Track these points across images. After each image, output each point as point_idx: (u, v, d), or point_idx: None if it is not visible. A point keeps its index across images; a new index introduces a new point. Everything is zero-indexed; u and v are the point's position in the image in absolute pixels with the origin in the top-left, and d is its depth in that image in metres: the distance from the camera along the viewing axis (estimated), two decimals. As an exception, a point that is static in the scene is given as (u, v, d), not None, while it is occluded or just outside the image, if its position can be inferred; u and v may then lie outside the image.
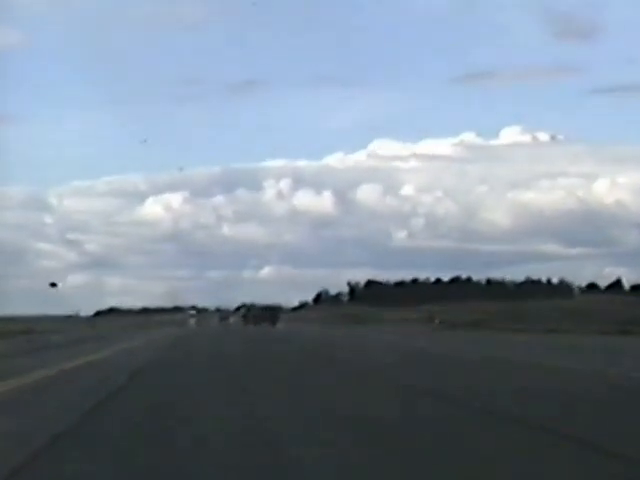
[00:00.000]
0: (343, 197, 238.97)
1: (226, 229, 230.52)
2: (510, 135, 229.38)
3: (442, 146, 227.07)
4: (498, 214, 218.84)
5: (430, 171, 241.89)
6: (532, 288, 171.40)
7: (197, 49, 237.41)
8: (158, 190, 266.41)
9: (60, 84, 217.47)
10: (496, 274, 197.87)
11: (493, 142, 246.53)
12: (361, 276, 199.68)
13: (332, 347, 38.10)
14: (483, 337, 53.75)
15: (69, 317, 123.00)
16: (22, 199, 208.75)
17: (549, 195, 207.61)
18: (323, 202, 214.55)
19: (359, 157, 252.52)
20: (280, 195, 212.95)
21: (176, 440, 9.76)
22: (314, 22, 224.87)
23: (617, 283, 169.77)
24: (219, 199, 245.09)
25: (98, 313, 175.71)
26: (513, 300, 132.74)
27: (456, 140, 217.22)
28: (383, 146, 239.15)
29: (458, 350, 34.51)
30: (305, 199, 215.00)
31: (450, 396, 14.46)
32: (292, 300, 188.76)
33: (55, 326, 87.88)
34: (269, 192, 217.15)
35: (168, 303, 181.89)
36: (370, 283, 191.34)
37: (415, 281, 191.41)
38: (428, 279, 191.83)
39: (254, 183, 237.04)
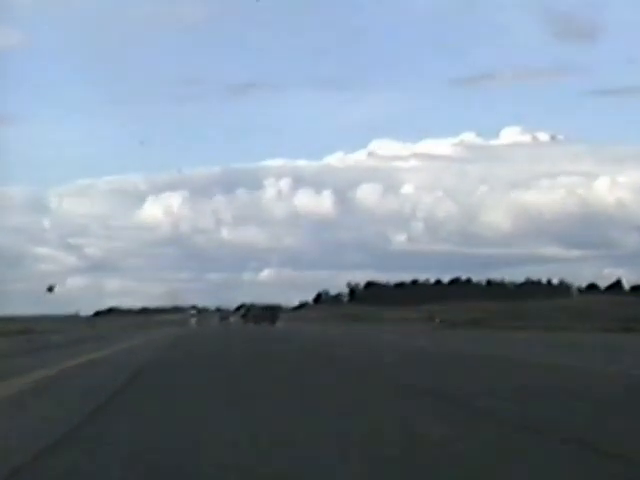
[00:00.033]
0: (343, 197, 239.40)
1: (226, 230, 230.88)
2: (510, 135, 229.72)
3: (442, 146, 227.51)
4: (498, 215, 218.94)
5: (430, 171, 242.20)
6: (532, 289, 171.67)
7: (197, 49, 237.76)
8: (158, 190, 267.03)
9: (60, 84, 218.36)
10: (496, 275, 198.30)
11: (493, 142, 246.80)
12: (361, 277, 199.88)
13: (332, 346, 38.07)
14: (483, 335, 53.71)
15: (69, 317, 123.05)
16: (22, 199, 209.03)
17: (549, 195, 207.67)
18: (323, 202, 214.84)
19: (359, 157, 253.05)
20: (280, 195, 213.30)
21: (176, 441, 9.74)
22: (314, 22, 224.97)
23: (617, 284, 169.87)
24: (219, 199, 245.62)
25: (98, 313, 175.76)
26: (513, 300, 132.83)
27: (456, 140, 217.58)
28: (383, 146, 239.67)
29: (458, 348, 34.48)
30: (305, 199, 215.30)
31: (450, 395, 14.43)
32: (292, 301, 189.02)
33: (55, 326, 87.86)
34: (269, 192, 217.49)
35: (168, 303, 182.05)
36: (370, 284, 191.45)
37: (415, 282, 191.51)
38: (428, 280, 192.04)
39: (254, 183, 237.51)
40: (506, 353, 29.97)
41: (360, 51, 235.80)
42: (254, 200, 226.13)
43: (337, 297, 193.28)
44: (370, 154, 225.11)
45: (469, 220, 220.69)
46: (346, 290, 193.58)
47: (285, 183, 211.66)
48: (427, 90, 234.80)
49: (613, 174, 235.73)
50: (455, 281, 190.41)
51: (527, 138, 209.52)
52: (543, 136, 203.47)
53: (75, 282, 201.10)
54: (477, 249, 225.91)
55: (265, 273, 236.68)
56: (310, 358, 28.04)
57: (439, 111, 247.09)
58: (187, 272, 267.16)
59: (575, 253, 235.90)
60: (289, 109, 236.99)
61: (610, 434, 9.93)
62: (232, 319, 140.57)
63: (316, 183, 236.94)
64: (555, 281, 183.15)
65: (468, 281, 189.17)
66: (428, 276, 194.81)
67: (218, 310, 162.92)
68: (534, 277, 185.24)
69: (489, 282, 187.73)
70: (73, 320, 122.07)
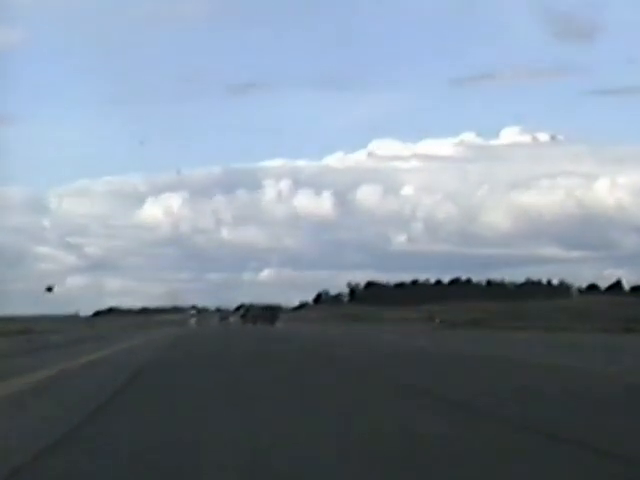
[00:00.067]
0: (343, 198, 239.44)
1: (226, 230, 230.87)
2: (510, 135, 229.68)
3: (442, 146, 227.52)
4: (498, 215, 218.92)
5: (430, 171, 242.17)
6: (532, 289, 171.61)
7: (197, 49, 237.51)
8: (158, 190, 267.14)
9: (60, 84, 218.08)
10: (496, 275, 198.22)
11: (493, 142, 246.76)
12: (361, 278, 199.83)
13: (332, 346, 38.05)
14: (483, 336, 53.67)
15: (68, 317, 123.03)
16: (22, 200, 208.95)
17: (549, 196, 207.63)
18: (323, 203, 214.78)
19: (359, 157, 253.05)
20: (280, 196, 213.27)
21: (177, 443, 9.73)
22: (315, 22, 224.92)
23: (617, 284, 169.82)
24: (219, 199, 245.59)
25: (97, 313, 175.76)
26: (513, 301, 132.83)
27: (456, 140, 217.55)
28: (383, 146, 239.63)
29: (458, 349, 34.45)
30: (305, 200, 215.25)
31: (449, 396, 14.41)
32: (292, 301, 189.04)
33: (54, 326, 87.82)
34: (269, 193, 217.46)
35: (168, 303, 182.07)
36: (370, 284, 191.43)
37: (415, 282, 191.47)
38: (428, 280, 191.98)
39: (254, 183, 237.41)
40: (506, 353, 29.94)
41: (360, 51, 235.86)
42: (254, 201, 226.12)
43: (337, 297, 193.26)
44: (370, 155, 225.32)
45: (469, 220, 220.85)
46: (346, 290, 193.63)
47: (285, 184, 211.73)
48: (427, 90, 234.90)
49: (613, 175, 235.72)
50: (455, 281, 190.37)
51: (527, 138, 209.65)
52: (543, 136, 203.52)
53: (75, 282, 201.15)
54: (477, 249, 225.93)
55: (265, 273, 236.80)
56: (310, 358, 28.03)
57: (439, 111, 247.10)
58: (187, 272, 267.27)
59: (575, 254, 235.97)
60: (289, 109, 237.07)
61: (611, 435, 9.91)
62: (232, 319, 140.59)
63: (316, 184, 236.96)
64: (555, 281, 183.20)
65: (468, 281, 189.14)
66: (428, 276, 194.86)
67: (218, 310, 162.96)
68: (534, 277, 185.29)
69: (489, 282, 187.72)
70: (73, 320, 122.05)
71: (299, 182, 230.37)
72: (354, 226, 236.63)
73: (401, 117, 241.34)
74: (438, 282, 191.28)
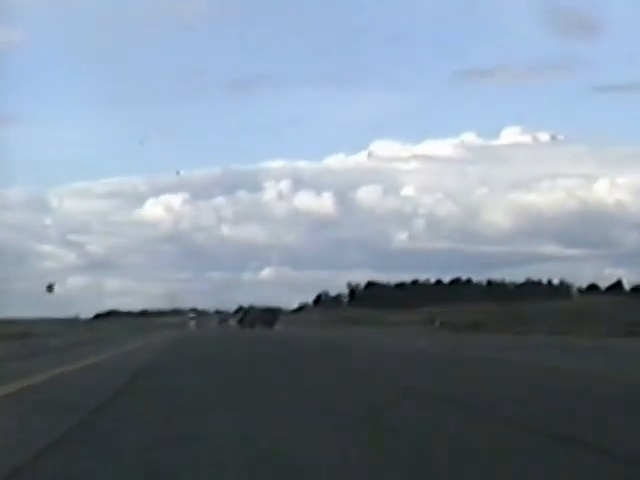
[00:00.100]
0: (343, 198, 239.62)
1: (226, 230, 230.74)
2: (510, 135, 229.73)
3: (443, 147, 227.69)
4: (498, 215, 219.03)
5: (430, 172, 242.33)
6: (532, 289, 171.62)
7: (197, 49, 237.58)
8: (158, 191, 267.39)
9: (60, 83, 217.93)
10: (496, 275, 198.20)
11: (494, 142, 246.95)
12: (361, 277, 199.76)
13: (332, 350, 38.04)
14: (484, 339, 53.56)
15: (68, 320, 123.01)
16: (22, 200, 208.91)
17: (550, 195, 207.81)
18: (323, 203, 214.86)
19: (359, 158, 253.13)
20: (280, 197, 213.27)
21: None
22: (315, 21, 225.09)
23: (618, 284, 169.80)
24: (219, 200, 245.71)
25: (98, 316, 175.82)
26: (513, 301, 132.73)
27: (456, 141, 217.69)
28: (383, 147, 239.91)
29: (458, 353, 34.30)
30: (305, 200, 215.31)
31: (448, 396, 14.27)
32: (292, 301, 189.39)
33: (54, 329, 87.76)
34: (269, 193, 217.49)
35: (168, 305, 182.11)
36: (370, 284, 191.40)
37: (415, 282, 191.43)
38: (428, 280, 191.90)
39: (254, 184, 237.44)
40: (510, 358, 29.80)
41: (360, 50, 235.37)
42: (254, 202, 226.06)
43: (337, 298, 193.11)
44: (370, 155, 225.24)
45: (469, 220, 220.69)
46: (346, 291, 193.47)
47: (285, 184, 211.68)
48: (427, 90, 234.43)
49: (614, 175, 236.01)
50: (455, 281, 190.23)
51: (527, 138, 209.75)
52: (543, 136, 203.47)
53: (75, 282, 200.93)
54: (477, 249, 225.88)
55: (265, 272, 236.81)
56: (310, 360, 28.00)
57: (439, 110, 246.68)
58: (187, 271, 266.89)
59: (575, 252, 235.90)
60: (289, 109, 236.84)
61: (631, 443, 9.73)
62: (231, 322, 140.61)
63: (316, 185, 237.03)
64: (555, 281, 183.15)
65: (468, 281, 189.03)
66: (428, 276, 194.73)
67: (217, 313, 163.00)
68: (534, 277, 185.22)
69: (489, 282, 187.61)
70: (73, 323, 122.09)
71: (299, 183, 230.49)
72: (354, 228, 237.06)
73: (401, 117, 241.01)
74: (438, 282, 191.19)
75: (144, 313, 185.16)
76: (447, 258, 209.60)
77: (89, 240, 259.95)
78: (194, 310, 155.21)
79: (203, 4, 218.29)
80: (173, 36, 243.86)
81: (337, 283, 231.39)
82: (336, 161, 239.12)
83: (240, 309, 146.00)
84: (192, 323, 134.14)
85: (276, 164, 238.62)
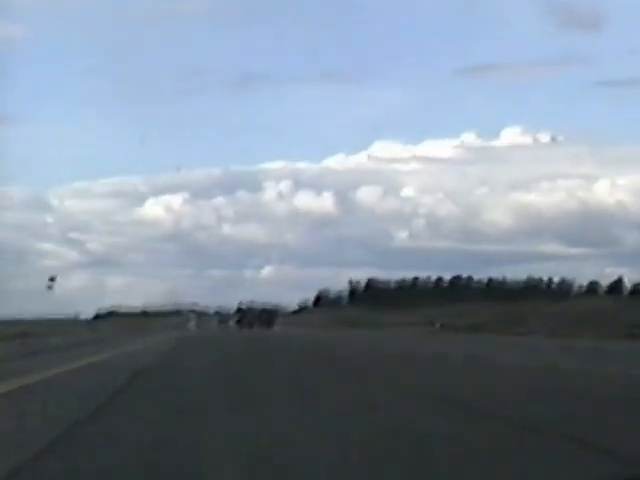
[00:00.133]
0: (343, 199, 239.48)
1: (226, 230, 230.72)
2: (510, 136, 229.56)
3: (443, 147, 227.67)
4: (499, 215, 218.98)
5: (431, 172, 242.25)
6: (533, 288, 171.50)
7: (197, 48, 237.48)
8: (158, 191, 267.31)
9: (60, 84, 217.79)
10: (497, 274, 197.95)
11: (494, 143, 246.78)
12: (362, 276, 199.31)
13: (331, 350, 38.04)
14: (485, 340, 53.51)
15: (69, 320, 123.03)
16: (21, 200, 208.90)
17: (550, 196, 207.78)
18: (323, 203, 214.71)
19: (360, 158, 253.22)
20: (280, 197, 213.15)
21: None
22: (315, 21, 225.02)
23: (619, 283, 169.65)
24: (219, 200, 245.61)
25: (97, 316, 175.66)
26: (514, 301, 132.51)
27: (457, 141, 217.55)
28: (384, 147, 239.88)
29: (458, 355, 34.28)
30: (305, 200, 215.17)
31: (448, 397, 14.24)
32: (293, 300, 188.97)
33: (54, 329, 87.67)
34: (269, 193, 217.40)
35: (168, 302, 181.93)
36: (371, 282, 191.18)
37: (416, 281, 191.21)
38: (429, 279, 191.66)
39: (254, 185, 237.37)
40: (510, 362, 29.77)
41: (360, 49, 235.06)
42: (254, 202, 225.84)
43: (337, 298, 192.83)
44: (370, 156, 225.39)
45: (469, 219, 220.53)
46: (346, 289, 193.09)
47: (285, 185, 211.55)
48: (427, 89, 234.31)
49: (614, 175, 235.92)
50: (456, 280, 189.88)
51: (528, 139, 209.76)
52: (544, 137, 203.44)
53: (75, 281, 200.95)
54: (478, 248, 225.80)
55: (266, 271, 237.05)
56: (310, 358, 27.98)
57: (439, 110, 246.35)
58: (188, 270, 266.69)
59: (576, 252, 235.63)
60: (289, 109, 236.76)
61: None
62: (231, 323, 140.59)
63: (316, 185, 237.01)
64: (556, 279, 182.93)
65: (469, 280, 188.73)
66: (429, 274, 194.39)
67: (217, 313, 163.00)
68: (535, 275, 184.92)
69: (490, 281, 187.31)
70: (73, 323, 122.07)
71: (299, 184, 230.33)
72: (354, 229, 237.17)
73: (401, 117, 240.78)
74: (439, 280, 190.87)
75: (144, 314, 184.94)
76: (448, 257, 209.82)
77: (89, 239, 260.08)
78: (194, 311, 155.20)
79: (203, 3, 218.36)
80: (173, 35, 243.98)
81: (337, 281, 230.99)
82: (336, 161, 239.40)
83: (240, 309, 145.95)
84: (192, 324, 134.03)
85: (276, 164, 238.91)
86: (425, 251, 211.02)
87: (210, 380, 19.41)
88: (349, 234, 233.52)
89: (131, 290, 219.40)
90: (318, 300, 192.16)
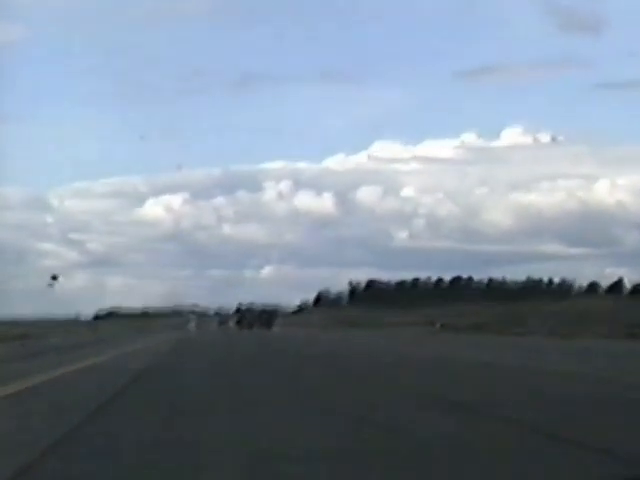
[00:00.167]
0: (344, 199, 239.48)
1: (227, 230, 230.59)
2: (511, 136, 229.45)
3: (443, 147, 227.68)
4: (499, 215, 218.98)
5: (431, 172, 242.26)
6: (533, 288, 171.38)
7: (197, 48, 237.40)
8: (158, 191, 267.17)
9: (60, 83, 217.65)
10: (497, 274, 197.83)
11: (494, 143, 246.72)
12: (362, 276, 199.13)
13: (333, 356, 38.02)
14: (485, 341, 53.49)
15: (69, 321, 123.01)
16: (22, 200, 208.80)
17: (550, 196, 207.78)
18: (324, 203, 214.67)
19: (360, 159, 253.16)
20: (280, 197, 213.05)
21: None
22: (315, 21, 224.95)
23: (619, 283, 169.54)
24: (219, 200, 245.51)
25: (97, 317, 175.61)
26: (514, 301, 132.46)
27: (457, 141, 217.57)
28: (384, 147, 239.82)
29: (459, 355, 34.27)
30: (305, 200, 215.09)
31: (439, 395, 14.23)
32: (293, 300, 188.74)
33: (54, 330, 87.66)
34: (269, 193, 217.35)
35: (168, 303, 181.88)
36: (371, 283, 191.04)
37: (416, 281, 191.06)
38: (429, 279, 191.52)
39: (254, 185, 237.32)
40: (511, 362, 29.76)
41: (360, 49, 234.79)
42: (254, 202, 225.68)
43: (337, 298, 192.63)
44: (370, 157, 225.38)
45: (470, 219, 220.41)
46: (347, 289, 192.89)
47: (285, 185, 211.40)
48: (427, 90, 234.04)
49: (613, 176, 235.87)
50: (456, 280, 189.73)
51: (528, 139, 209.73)
52: (544, 137, 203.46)
53: (75, 282, 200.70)
54: (478, 248, 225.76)
55: (266, 271, 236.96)
56: (309, 363, 27.99)
57: (439, 110, 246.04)
58: (188, 270, 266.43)
59: (576, 252, 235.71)
60: (289, 109, 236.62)
61: None
62: (231, 324, 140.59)
63: (316, 185, 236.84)
64: (557, 280, 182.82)
65: (469, 280, 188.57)
66: (429, 274, 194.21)
67: (217, 314, 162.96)
68: (535, 275, 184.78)
69: (490, 281, 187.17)
70: (73, 323, 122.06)
71: (299, 184, 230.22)
72: (355, 229, 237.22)
73: (401, 117, 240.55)
74: (439, 280, 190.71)
75: (144, 314, 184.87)
76: (448, 257, 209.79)
77: (89, 239, 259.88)
78: (194, 312, 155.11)
79: (203, 3, 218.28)
80: (173, 35, 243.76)
81: (338, 281, 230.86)
82: (336, 161, 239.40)
83: (239, 309, 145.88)
84: (192, 325, 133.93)
85: (276, 164, 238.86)
86: (425, 251, 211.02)
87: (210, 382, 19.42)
88: (349, 234, 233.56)
89: (131, 291, 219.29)
90: (318, 300, 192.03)
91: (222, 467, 8.18)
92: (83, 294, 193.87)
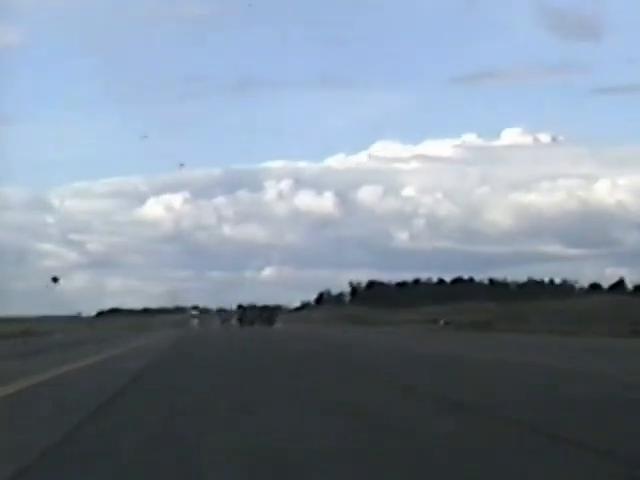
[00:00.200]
0: (344, 199, 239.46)
1: (227, 230, 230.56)
2: (511, 136, 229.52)
3: (443, 147, 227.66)
4: (500, 215, 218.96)
5: (431, 172, 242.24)
6: (534, 288, 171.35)
7: (197, 49, 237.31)
8: (158, 191, 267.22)
9: (60, 84, 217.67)
10: (498, 274, 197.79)
11: (494, 143, 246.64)
12: (363, 277, 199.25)
13: (335, 349, 38.04)
14: (490, 338, 53.52)
15: (71, 318, 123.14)
16: (22, 200, 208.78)
17: (550, 196, 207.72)
18: (324, 203, 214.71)
19: (360, 158, 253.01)
20: (281, 197, 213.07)
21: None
22: (315, 21, 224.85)
23: (620, 283, 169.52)
24: (220, 200, 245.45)
25: (100, 314, 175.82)
26: (516, 301, 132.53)
27: (457, 141, 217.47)
28: (385, 147, 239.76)
29: (466, 352, 34.30)
30: (306, 201, 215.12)
31: (442, 395, 14.22)
32: (294, 300, 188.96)
33: (56, 327, 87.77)
34: (270, 193, 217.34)
35: (169, 303, 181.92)
36: (372, 283, 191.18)
37: (417, 281, 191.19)
38: (430, 279, 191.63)
39: (255, 184, 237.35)
40: (505, 357, 29.76)
41: (360, 50, 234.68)
42: (255, 201, 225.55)
43: (339, 297, 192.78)
44: (371, 156, 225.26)
45: (470, 220, 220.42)
46: (348, 289, 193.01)
47: (286, 184, 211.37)
48: (428, 90, 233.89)
49: (614, 176, 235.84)
50: (457, 280, 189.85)
51: (528, 139, 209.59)
52: (544, 137, 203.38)
53: (75, 282, 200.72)
54: (479, 248, 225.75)
55: (267, 271, 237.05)
56: (311, 358, 28.05)
57: (440, 110, 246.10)
58: (188, 270, 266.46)
59: (577, 252, 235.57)
60: (290, 109, 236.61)
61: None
62: (233, 321, 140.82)
63: (317, 185, 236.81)
64: (558, 280, 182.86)
65: (470, 280, 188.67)
66: (430, 275, 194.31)
67: (219, 311, 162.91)
68: (536, 276, 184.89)
69: (491, 281, 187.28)
70: (75, 321, 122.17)
71: (300, 183, 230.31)
72: (355, 229, 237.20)
73: (401, 117, 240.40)
74: (441, 281, 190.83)
75: (146, 311, 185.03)
76: (449, 257, 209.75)
77: (89, 240, 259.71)
78: (196, 308, 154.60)
79: (204, 4, 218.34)
80: (174, 36, 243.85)
81: (338, 282, 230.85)
82: (337, 161, 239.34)
83: (240, 306, 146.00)
84: (195, 321, 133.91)
85: (277, 164, 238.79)
86: (426, 251, 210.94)
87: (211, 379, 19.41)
88: (349, 234, 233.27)
89: (131, 292, 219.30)
90: (320, 298, 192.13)
91: (222, 467, 8.16)
92: (83, 295, 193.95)
